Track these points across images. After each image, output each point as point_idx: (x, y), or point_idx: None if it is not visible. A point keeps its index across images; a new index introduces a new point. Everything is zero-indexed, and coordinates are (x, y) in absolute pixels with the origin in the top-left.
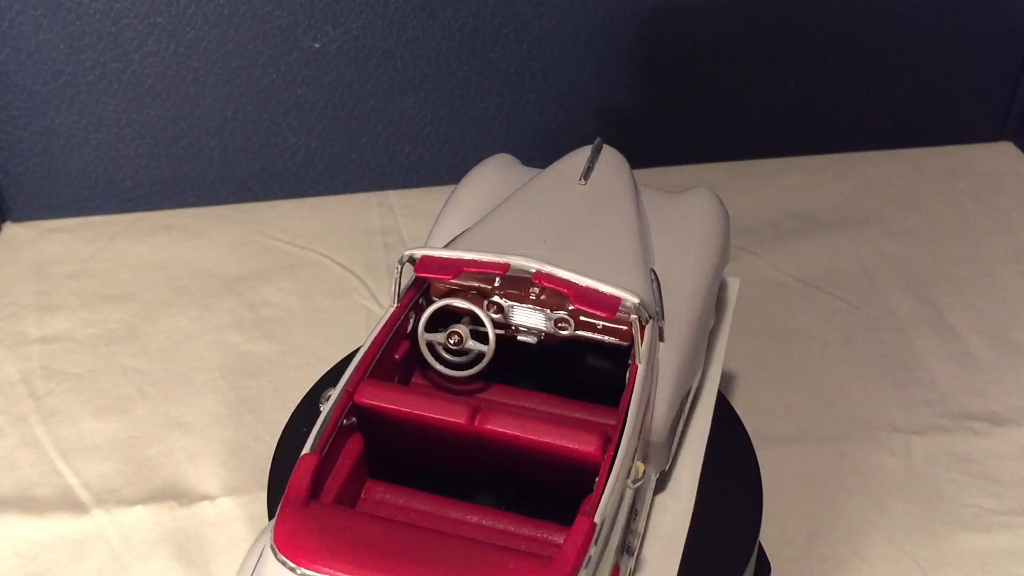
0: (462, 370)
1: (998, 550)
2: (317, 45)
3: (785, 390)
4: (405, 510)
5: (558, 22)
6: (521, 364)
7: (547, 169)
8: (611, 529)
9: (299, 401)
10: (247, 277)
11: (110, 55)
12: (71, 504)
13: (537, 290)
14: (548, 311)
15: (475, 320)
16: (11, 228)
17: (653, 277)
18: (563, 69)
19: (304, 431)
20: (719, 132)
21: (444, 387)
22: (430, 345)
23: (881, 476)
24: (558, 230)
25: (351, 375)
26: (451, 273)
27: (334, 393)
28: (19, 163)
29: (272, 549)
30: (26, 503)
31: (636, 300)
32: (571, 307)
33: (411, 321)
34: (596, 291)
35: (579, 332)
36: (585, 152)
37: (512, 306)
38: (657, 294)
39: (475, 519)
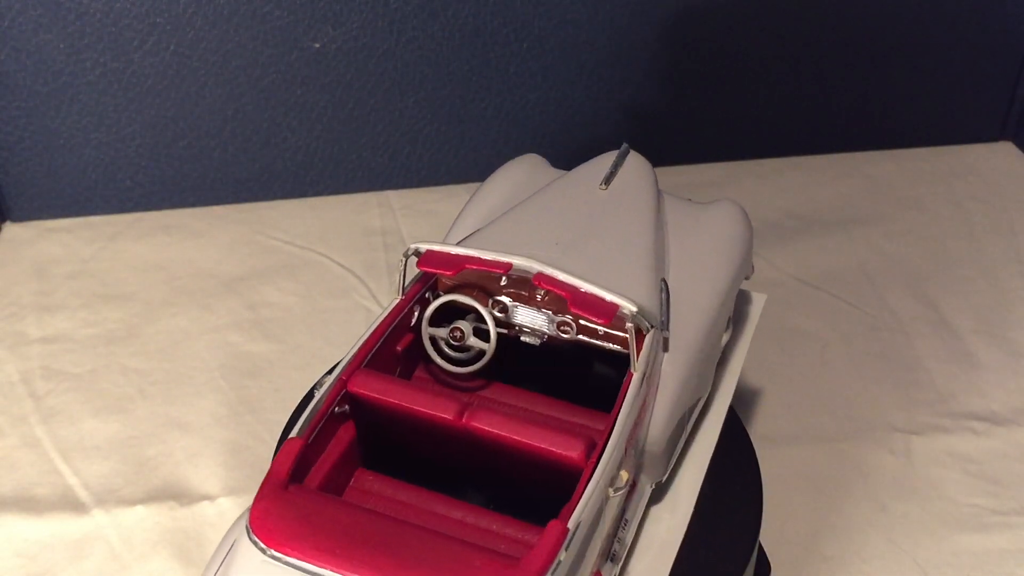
0: (463, 366)
1: (998, 550)
2: (317, 45)
3: (785, 390)
4: (391, 501)
5: (558, 22)
6: (523, 365)
7: (571, 171)
8: (590, 535)
9: (299, 401)
10: (247, 277)
11: (110, 55)
12: (71, 504)
13: (542, 292)
14: (551, 314)
15: (479, 318)
16: (11, 228)
17: (663, 287)
18: (563, 69)
19: None
20: (719, 132)
21: (446, 382)
22: (433, 340)
23: (881, 476)
24: (572, 233)
25: (346, 363)
26: (453, 269)
27: (328, 380)
28: (19, 163)
29: (247, 529)
30: (26, 503)
31: (634, 308)
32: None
33: (416, 314)
34: (594, 296)
35: (581, 337)
36: (611, 157)
37: (516, 306)
38: (664, 304)
39: (459, 515)
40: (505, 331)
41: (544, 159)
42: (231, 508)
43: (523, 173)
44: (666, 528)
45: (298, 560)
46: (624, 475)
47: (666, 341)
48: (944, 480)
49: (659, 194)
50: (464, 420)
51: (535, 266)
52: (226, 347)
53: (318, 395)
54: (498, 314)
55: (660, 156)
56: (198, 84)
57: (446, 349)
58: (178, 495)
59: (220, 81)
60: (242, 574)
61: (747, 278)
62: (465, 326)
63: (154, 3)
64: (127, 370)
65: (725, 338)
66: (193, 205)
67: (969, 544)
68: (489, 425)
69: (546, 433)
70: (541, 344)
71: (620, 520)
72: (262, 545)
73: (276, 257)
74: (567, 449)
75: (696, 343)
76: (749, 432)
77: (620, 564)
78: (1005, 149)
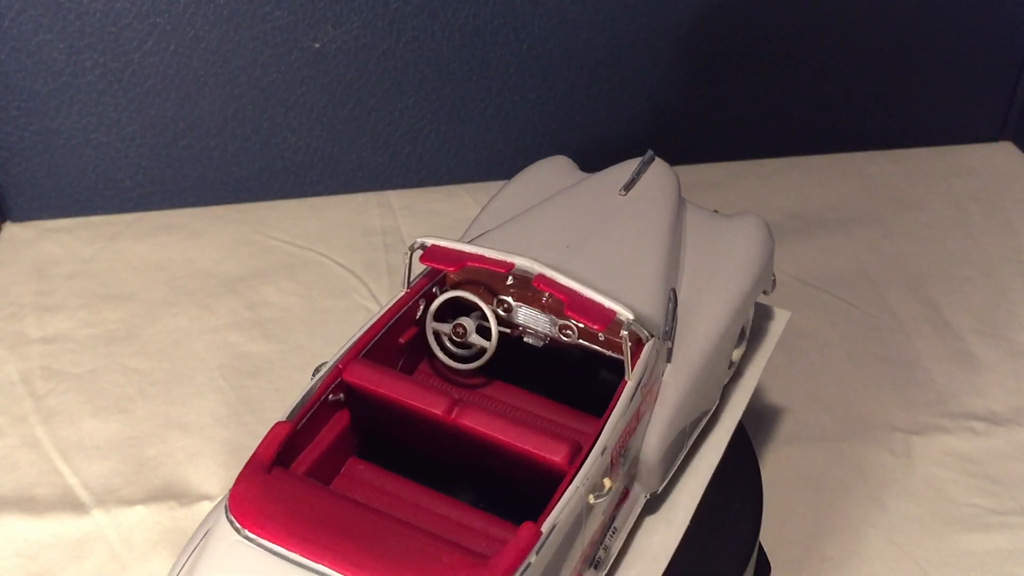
0: (464, 363)
1: (998, 550)
2: (317, 45)
3: (785, 390)
4: (378, 492)
5: (558, 22)
6: (525, 365)
7: (593, 175)
8: (569, 540)
9: None
10: (247, 277)
11: (110, 55)
12: (71, 504)
13: (547, 294)
14: (554, 316)
15: (483, 316)
16: (11, 228)
17: (671, 297)
18: (563, 69)
19: None
20: (719, 132)
21: (448, 378)
22: (436, 335)
23: (881, 476)
24: (584, 237)
25: (344, 352)
26: (455, 265)
27: (325, 368)
28: (19, 163)
29: (225, 508)
30: (26, 503)
31: (630, 316)
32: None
33: (421, 308)
34: (591, 301)
35: (581, 341)
36: (634, 163)
37: (520, 306)
38: (670, 314)
39: (443, 511)
40: (508, 331)
41: (572, 161)
42: None
43: (549, 174)
44: (659, 540)
45: (268, 542)
46: (607, 483)
47: (669, 351)
48: (944, 480)
49: (681, 203)
50: (453, 417)
51: (536, 267)
52: (226, 347)
53: (312, 381)
54: (502, 313)
55: (660, 156)
56: (198, 84)
57: (448, 345)
58: (178, 495)
59: (220, 81)
60: (216, 551)
61: (767, 293)
62: (468, 323)
63: (154, 3)
64: (127, 370)
65: (738, 353)
66: (193, 205)
67: (969, 544)
68: (477, 423)
69: (532, 435)
70: (543, 346)
71: (608, 528)
72: (237, 525)
73: (276, 257)
74: (551, 453)
75: (702, 356)
76: (749, 432)
77: (605, 572)
78: (1005, 149)
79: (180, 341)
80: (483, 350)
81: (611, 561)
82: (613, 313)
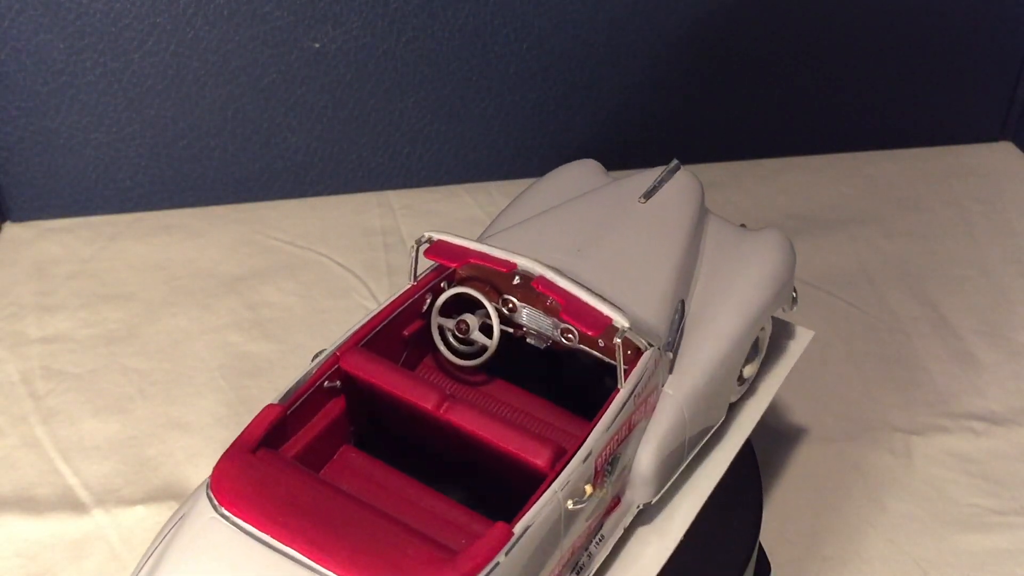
0: (466, 359)
1: (998, 550)
2: (317, 45)
3: (785, 390)
4: (367, 481)
5: (558, 22)
6: (526, 366)
7: (616, 182)
8: (548, 543)
9: None
10: (247, 277)
11: (110, 55)
12: (71, 504)
13: (550, 297)
14: (556, 319)
15: (488, 314)
16: (11, 228)
17: (678, 308)
18: (563, 69)
19: None
20: (719, 132)
21: (451, 374)
22: (441, 329)
23: (881, 476)
24: (596, 242)
25: (343, 340)
26: (458, 261)
27: (323, 354)
28: (19, 163)
29: (207, 484)
30: (26, 503)
31: (626, 324)
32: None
33: (428, 302)
34: (588, 306)
35: (582, 345)
36: (658, 171)
37: (524, 307)
38: (675, 325)
39: (429, 505)
40: (511, 330)
41: (600, 165)
42: None
43: (575, 177)
44: (652, 551)
45: (241, 521)
46: (588, 489)
47: (671, 363)
48: (944, 480)
49: (703, 215)
50: (441, 412)
51: (537, 269)
52: (226, 347)
53: (309, 366)
54: (506, 312)
55: (660, 156)
56: (198, 84)
57: (452, 340)
58: (178, 495)
59: (220, 81)
60: (192, 526)
61: (788, 310)
62: (472, 320)
63: (154, 3)
64: (127, 370)
65: (750, 369)
66: (193, 205)
67: (969, 544)
68: (464, 420)
69: (516, 436)
70: (545, 348)
71: (595, 535)
72: (215, 502)
73: (276, 257)
74: (532, 455)
75: (708, 370)
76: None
77: None
78: (1005, 149)
79: (180, 341)
80: (485, 348)
81: (595, 568)
82: (609, 320)
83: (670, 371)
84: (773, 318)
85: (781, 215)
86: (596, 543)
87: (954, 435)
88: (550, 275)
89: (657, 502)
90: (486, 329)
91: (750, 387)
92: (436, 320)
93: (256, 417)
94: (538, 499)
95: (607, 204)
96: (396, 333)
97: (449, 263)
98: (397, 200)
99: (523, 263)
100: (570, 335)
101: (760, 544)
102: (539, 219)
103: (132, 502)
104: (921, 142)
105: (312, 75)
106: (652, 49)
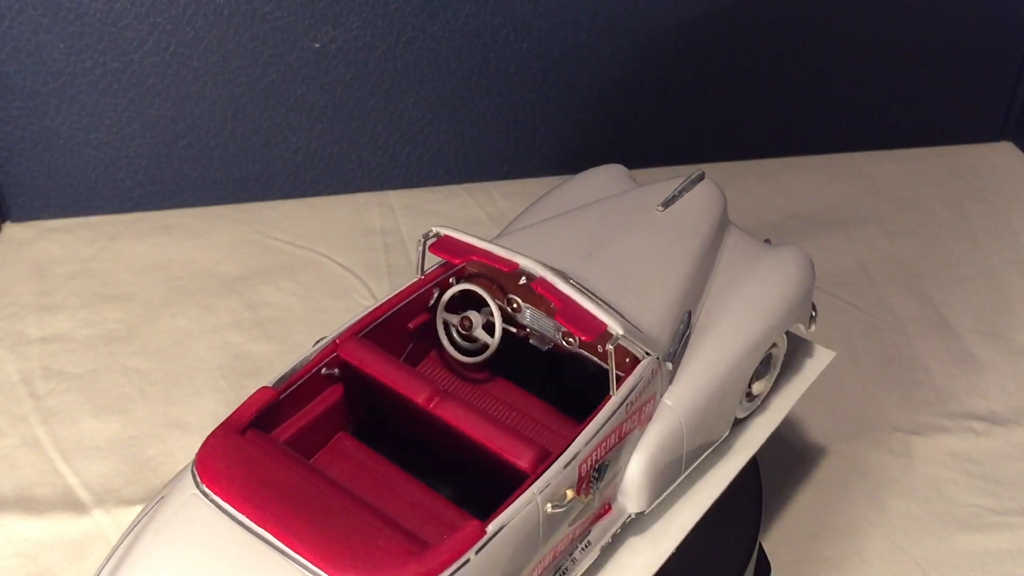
0: (468, 355)
1: (998, 550)
2: (317, 45)
3: None
4: (358, 469)
5: (558, 22)
6: (528, 366)
7: (637, 188)
8: (525, 545)
9: None
10: (247, 277)
11: (110, 55)
12: (71, 504)
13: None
14: (558, 322)
15: (492, 312)
16: (11, 228)
17: (684, 319)
18: (563, 69)
19: None
20: (719, 132)
21: (454, 370)
22: (445, 325)
23: (881, 476)
24: (608, 248)
25: (344, 329)
26: (461, 258)
27: (323, 341)
28: (19, 163)
29: (192, 461)
30: (26, 503)
31: (619, 331)
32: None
33: (435, 296)
34: (583, 311)
35: (582, 350)
36: (680, 180)
37: (528, 308)
38: (679, 336)
39: (416, 497)
40: (514, 330)
41: (626, 170)
42: None
43: (599, 182)
44: (642, 560)
45: (220, 500)
46: (569, 494)
47: (672, 373)
48: (944, 480)
49: (723, 227)
50: (432, 406)
51: (538, 270)
52: (226, 347)
53: (307, 352)
54: (510, 312)
55: (661, 156)
56: (198, 84)
57: (455, 336)
58: None
59: (220, 81)
60: (174, 502)
61: (806, 328)
62: (476, 317)
63: (154, 3)
64: (127, 370)
65: (760, 386)
66: (193, 205)
67: (969, 544)
68: (452, 416)
69: (502, 435)
70: (547, 350)
71: (581, 540)
72: (198, 480)
73: (276, 257)
74: (515, 456)
75: (711, 383)
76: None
77: None
78: (1005, 149)
79: (180, 341)
80: (487, 346)
81: (579, 574)
82: (603, 326)
83: (671, 382)
84: (792, 335)
85: (781, 215)
86: (582, 549)
87: (954, 435)
88: (549, 277)
89: (653, 513)
90: (489, 327)
91: (761, 404)
92: (441, 315)
93: (248, 399)
94: (515, 500)
95: (625, 210)
96: (402, 325)
97: (453, 259)
98: (397, 200)
99: (525, 263)
100: (570, 339)
101: (760, 544)
102: (556, 221)
103: (132, 502)
104: (921, 142)
105: (312, 75)
106: (652, 49)
